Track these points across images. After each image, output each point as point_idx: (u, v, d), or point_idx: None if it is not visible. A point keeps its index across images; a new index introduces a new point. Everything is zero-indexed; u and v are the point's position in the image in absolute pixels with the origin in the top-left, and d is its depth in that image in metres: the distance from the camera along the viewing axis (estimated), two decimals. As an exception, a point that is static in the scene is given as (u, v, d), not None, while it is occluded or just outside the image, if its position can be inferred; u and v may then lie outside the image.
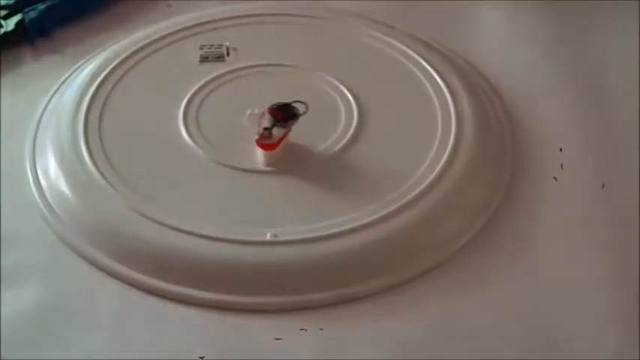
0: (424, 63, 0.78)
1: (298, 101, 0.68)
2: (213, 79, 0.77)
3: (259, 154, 0.69)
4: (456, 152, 0.70)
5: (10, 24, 0.83)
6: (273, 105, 0.68)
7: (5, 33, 0.83)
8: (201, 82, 0.76)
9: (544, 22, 0.86)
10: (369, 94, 0.75)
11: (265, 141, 0.68)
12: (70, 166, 0.70)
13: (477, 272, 0.65)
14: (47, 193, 0.69)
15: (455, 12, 0.87)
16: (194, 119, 0.73)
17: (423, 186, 0.67)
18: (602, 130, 0.75)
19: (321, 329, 0.61)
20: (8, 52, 0.82)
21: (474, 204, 0.69)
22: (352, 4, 0.85)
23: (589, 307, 0.63)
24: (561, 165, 0.72)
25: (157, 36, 0.81)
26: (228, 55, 0.79)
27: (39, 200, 0.69)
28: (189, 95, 0.75)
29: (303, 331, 0.61)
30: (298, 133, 0.70)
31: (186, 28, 0.82)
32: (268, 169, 0.69)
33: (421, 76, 0.77)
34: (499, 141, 0.74)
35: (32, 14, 0.83)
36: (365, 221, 0.65)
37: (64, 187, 0.69)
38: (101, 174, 0.68)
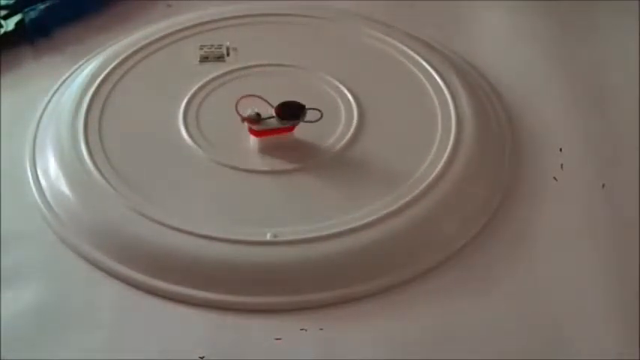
0: (424, 63, 0.78)
1: (314, 108, 0.68)
2: (213, 79, 0.77)
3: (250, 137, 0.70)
4: (456, 152, 0.70)
5: (10, 24, 0.83)
6: (285, 101, 0.69)
7: (5, 33, 0.82)
8: (201, 82, 0.76)
9: (544, 22, 0.86)
10: (369, 94, 0.75)
11: (251, 124, 0.69)
12: (70, 166, 0.70)
13: (477, 272, 0.65)
14: (47, 193, 0.69)
15: (455, 12, 0.87)
16: (194, 119, 0.73)
17: (422, 186, 0.67)
18: (602, 130, 0.75)
19: (321, 329, 0.61)
20: (8, 52, 0.82)
21: (474, 204, 0.69)
22: (352, 4, 0.85)
23: (589, 307, 0.63)
24: (561, 165, 0.72)
25: (156, 36, 0.81)
26: (228, 55, 0.79)
27: (39, 200, 0.69)
28: (189, 95, 0.75)
29: (303, 331, 0.61)
30: (298, 133, 0.70)
31: (186, 28, 0.81)
32: (268, 169, 0.69)
33: (421, 76, 0.77)
34: (499, 141, 0.74)
35: (32, 14, 0.83)
36: (365, 221, 0.65)
37: (64, 187, 0.69)
38: (101, 174, 0.68)
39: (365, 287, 0.63)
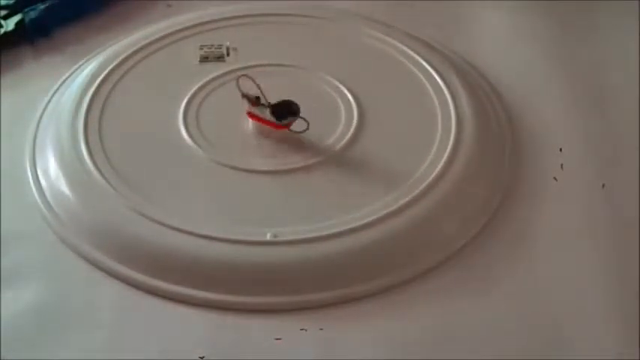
0: (424, 63, 0.78)
1: (303, 118, 0.69)
2: (213, 79, 0.77)
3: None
4: (456, 152, 0.70)
5: (10, 24, 0.83)
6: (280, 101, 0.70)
7: (5, 33, 0.82)
8: (201, 82, 0.76)
9: (544, 22, 0.86)
10: (369, 94, 0.75)
11: (249, 106, 0.70)
12: (70, 166, 0.70)
13: (477, 272, 0.65)
14: (47, 193, 0.69)
15: (455, 12, 0.87)
16: (194, 119, 0.73)
17: (422, 186, 0.67)
18: (602, 130, 0.75)
19: (321, 329, 0.61)
20: (8, 52, 0.82)
21: (474, 204, 0.69)
22: (352, 4, 0.85)
23: (589, 307, 0.63)
24: (561, 165, 0.72)
25: (156, 36, 0.81)
26: (228, 55, 0.79)
27: (39, 200, 0.69)
28: (189, 95, 0.75)
29: (303, 331, 0.61)
30: (298, 133, 0.70)
31: (186, 28, 0.82)
32: (268, 169, 0.69)
33: (421, 76, 0.77)
34: (499, 141, 0.74)
35: (32, 14, 0.83)
36: (365, 221, 0.65)
37: (64, 187, 0.69)
38: (101, 174, 0.68)
39: (365, 287, 0.63)
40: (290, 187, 0.68)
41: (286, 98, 0.70)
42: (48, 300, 0.63)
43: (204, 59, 0.79)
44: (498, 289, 0.64)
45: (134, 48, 0.79)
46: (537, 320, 0.62)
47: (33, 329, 0.62)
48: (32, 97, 0.78)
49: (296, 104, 0.69)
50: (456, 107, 0.73)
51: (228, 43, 0.79)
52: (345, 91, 0.75)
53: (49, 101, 0.77)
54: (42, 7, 0.84)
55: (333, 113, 0.73)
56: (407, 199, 0.66)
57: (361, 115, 0.73)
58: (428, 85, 0.76)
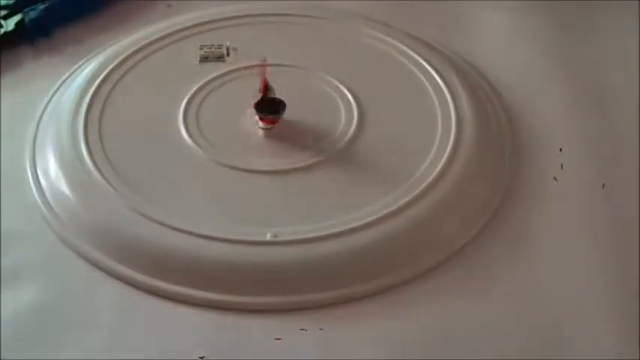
0: (424, 63, 0.78)
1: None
2: (213, 79, 0.77)
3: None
4: (456, 152, 0.70)
5: (10, 24, 0.83)
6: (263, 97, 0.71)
7: (5, 33, 0.82)
8: (201, 82, 0.76)
9: (544, 22, 0.86)
10: (369, 94, 0.75)
11: (258, 98, 0.70)
12: (70, 166, 0.70)
13: (477, 272, 0.65)
14: (47, 193, 0.69)
15: (455, 12, 0.87)
16: (194, 119, 0.73)
17: (422, 186, 0.67)
18: (602, 130, 0.75)
19: (321, 329, 0.61)
20: (8, 52, 0.82)
21: (474, 204, 0.69)
22: (352, 4, 0.85)
23: (589, 307, 0.63)
24: (561, 165, 0.72)
25: (157, 36, 0.81)
26: (228, 55, 0.79)
27: (39, 200, 0.69)
28: (189, 95, 0.75)
29: (303, 331, 0.61)
30: (298, 132, 0.70)
31: (186, 28, 0.82)
32: (268, 169, 0.69)
33: (421, 76, 0.77)
34: (499, 141, 0.74)
35: (32, 14, 0.83)
36: (365, 221, 0.65)
37: (64, 187, 0.69)
38: (101, 174, 0.68)
39: (365, 287, 0.63)
40: (290, 187, 0.68)
41: (288, 99, 0.70)
42: (48, 300, 0.63)
43: (204, 59, 0.79)
44: (498, 289, 0.64)
45: (134, 48, 0.79)
46: (537, 320, 0.62)
47: (33, 329, 0.62)
48: (32, 97, 0.78)
49: (280, 101, 0.70)
50: (456, 107, 0.73)
51: (228, 43, 0.79)
52: (345, 91, 0.75)
53: (49, 101, 0.77)
54: (42, 7, 0.84)
55: (333, 113, 0.73)
56: (407, 199, 0.66)
57: (361, 115, 0.73)
58: (428, 85, 0.76)
